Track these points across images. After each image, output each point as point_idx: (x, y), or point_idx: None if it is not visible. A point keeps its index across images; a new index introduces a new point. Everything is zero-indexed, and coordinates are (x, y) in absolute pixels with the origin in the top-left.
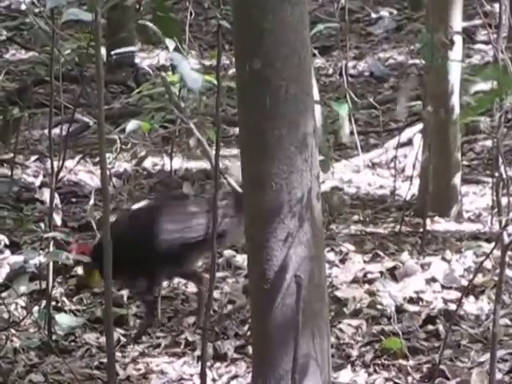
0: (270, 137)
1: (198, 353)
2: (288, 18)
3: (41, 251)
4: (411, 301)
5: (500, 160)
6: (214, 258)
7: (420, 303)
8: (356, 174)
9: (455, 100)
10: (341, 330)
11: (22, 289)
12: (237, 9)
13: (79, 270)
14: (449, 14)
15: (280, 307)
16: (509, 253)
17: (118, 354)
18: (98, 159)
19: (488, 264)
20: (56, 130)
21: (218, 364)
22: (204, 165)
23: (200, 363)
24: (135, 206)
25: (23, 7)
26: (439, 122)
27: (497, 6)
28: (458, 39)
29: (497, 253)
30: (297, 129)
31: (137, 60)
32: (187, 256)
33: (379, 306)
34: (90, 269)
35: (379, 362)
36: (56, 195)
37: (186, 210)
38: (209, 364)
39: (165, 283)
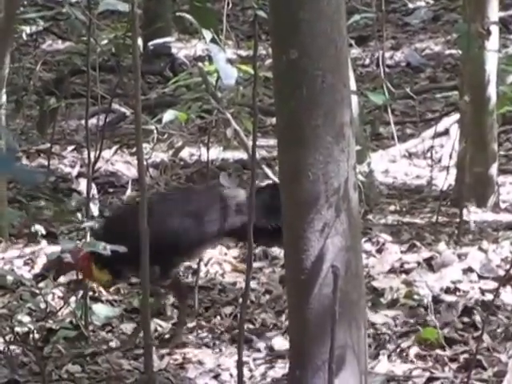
0: (307, 127)
1: (235, 343)
2: (325, 8)
3: (78, 241)
4: (448, 291)
5: None
6: (250, 248)
7: (457, 293)
8: (393, 163)
9: (492, 90)
10: (378, 320)
11: (59, 279)
12: None
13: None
14: (485, 4)
15: (317, 297)
16: None
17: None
18: (134, 149)
19: None
20: (93, 121)
21: (254, 354)
22: (241, 155)
23: (237, 353)
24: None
25: None
26: (476, 112)
27: None
28: (495, 29)
29: None
30: (333, 119)
31: (173, 50)
32: (194, 249)
33: (416, 297)
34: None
35: (416, 352)
36: (93, 185)
37: (196, 203)
38: (246, 354)
39: (202, 273)
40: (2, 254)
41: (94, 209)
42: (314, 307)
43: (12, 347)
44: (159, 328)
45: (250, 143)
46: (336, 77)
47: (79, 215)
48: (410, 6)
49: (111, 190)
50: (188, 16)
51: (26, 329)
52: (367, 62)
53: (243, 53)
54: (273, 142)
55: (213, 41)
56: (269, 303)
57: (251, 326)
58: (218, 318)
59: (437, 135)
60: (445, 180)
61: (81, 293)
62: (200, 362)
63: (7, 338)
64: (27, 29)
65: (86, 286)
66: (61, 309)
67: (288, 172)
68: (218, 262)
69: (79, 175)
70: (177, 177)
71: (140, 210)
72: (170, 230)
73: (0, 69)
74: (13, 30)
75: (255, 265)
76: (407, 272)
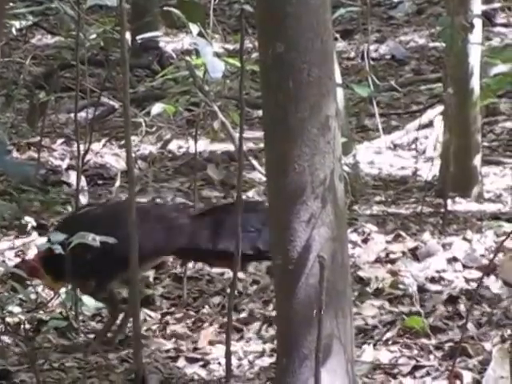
0: (293, 119)
1: (223, 332)
2: (311, 2)
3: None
4: (433, 280)
5: None
6: (238, 239)
7: (441, 282)
8: (378, 155)
9: (475, 82)
10: (364, 309)
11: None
12: None
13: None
14: None
15: (304, 287)
16: None
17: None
18: (123, 142)
19: (508, 243)
20: (82, 114)
21: (242, 343)
22: (228, 147)
23: (225, 342)
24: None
25: None
26: (459, 103)
27: None
28: (478, 22)
29: None
30: (319, 111)
31: (161, 44)
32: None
33: (401, 286)
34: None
35: (401, 340)
36: (82, 177)
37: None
38: (234, 343)
39: (190, 264)
40: None
41: (84, 200)
42: (300, 297)
43: (3, 337)
44: (148, 318)
45: (237, 135)
46: (322, 70)
47: (69, 207)
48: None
49: (100, 181)
50: (175, 10)
51: (16, 319)
52: (352, 55)
53: (230, 46)
54: (259, 134)
55: (200, 35)
56: (256, 293)
57: (239, 316)
58: (207, 307)
59: (421, 127)
60: (429, 171)
61: (70, 284)
62: (189, 352)
63: None
64: (17, 24)
65: None
66: (51, 300)
67: (274, 164)
68: None
69: (69, 167)
70: (165, 169)
71: (129, 202)
72: (106, 243)
73: None
74: (3, 24)
75: None
76: (392, 262)
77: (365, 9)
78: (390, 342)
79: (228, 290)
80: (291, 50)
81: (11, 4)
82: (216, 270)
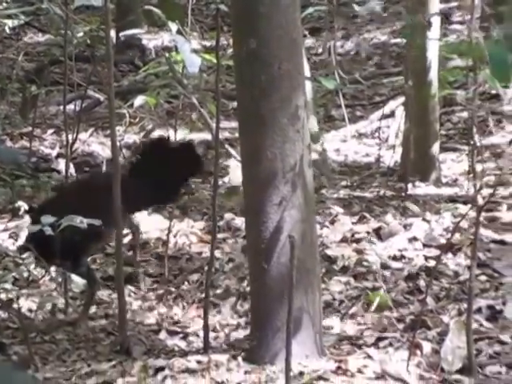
0: (265, 110)
1: (201, 307)
2: (281, 2)
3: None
4: (395, 258)
5: (474, 129)
6: (214, 221)
7: (403, 260)
8: (344, 143)
9: (433, 75)
10: (331, 285)
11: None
12: None
13: None
14: None
15: (275, 265)
16: (483, 214)
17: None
18: (108, 132)
19: (464, 224)
20: (70, 106)
21: (219, 317)
22: (206, 136)
23: (203, 316)
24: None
25: None
26: (419, 95)
27: None
28: (436, 20)
29: (472, 214)
30: (289, 103)
31: (144, 41)
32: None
33: (366, 263)
34: None
35: (366, 314)
36: (71, 165)
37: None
38: (211, 317)
39: (171, 244)
40: None
41: None
42: (272, 274)
43: None
44: (132, 294)
45: (214, 125)
46: (291, 64)
47: None
48: None
49: (87, 168)
50: (156, 10)
51: (10, 296)
52: (320, 50)
53: (207, 43)
54: (235, 124)
55: (179, 32)
56: (232, 271)
57: (216, 292)
58: (186, 284)
59: (384, 117)
60: (391, 157)
61: None
62: (170, 325)
63: None
64: (10, 23)
65: None
66: (42, 277)
67: (248, 151)
68: (186, 233)
69: (58, 156)
70: None
71: (114, 185)
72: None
73: None
74: None
75: (219, 236)
76: (358, 241)
77: (332, 8)
78: (355, 316)
79: (206, 268)
80: (263, 46)
81: (4, 5)
82: (194, 250)
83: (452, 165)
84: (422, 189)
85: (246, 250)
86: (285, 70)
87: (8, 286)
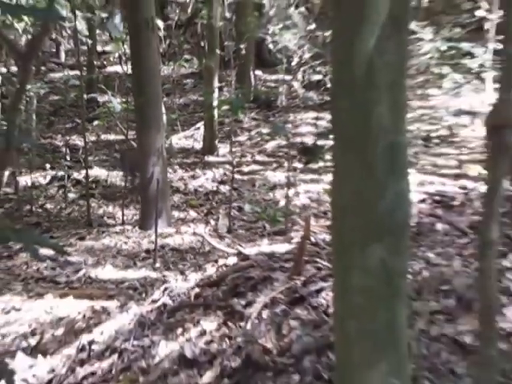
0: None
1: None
2: None
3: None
4: (201, 186)
5: (232, 134)
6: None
7: (202, 187)
8: (180, 140)
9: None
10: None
11: None
12: None
13: None
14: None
15: (152, 191)
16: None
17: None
18: None
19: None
20: None
21: (127, 211)
22: None
23: (121, 211)
24: None
25: None
26: (208, 115)
27: None
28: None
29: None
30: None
31: None
32: None
33: (190, 188)
34: None
35: (188, 208)
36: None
37: None
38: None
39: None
40: None
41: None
42: (150, 191)
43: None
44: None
45: None
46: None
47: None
48: None
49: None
50: None
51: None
52: None
53: None
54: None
55: None
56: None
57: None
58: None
59: (196, 128)
60: (200, 145)
61: None
62: (108, 217)
63: None
64: None
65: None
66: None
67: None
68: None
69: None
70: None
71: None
72: None
73: None
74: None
75: None
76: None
77: None
78: (180, 209)
79: None
80: None
81: None
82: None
83: (224, 149)
84: (210, 158)
85: (137, 188)
86: None
87: None
